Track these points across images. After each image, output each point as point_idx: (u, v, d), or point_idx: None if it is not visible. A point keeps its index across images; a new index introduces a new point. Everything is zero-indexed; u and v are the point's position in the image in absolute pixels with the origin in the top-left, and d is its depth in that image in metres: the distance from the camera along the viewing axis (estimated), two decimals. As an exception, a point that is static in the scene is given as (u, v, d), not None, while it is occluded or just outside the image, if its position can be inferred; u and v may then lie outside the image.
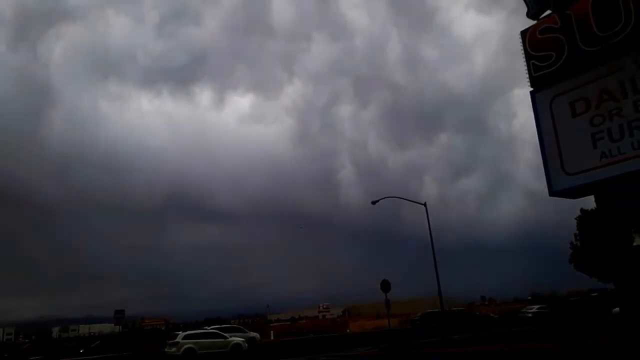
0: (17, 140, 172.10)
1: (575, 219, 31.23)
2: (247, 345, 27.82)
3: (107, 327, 73.51)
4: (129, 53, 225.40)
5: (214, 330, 28.83)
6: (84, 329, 78.87)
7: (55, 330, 74.99)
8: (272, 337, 46.79)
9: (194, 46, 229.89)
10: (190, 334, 26.91)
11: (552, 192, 10.97)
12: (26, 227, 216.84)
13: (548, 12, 11.17)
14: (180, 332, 27.55)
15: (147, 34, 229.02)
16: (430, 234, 24.29)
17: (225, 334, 27.73)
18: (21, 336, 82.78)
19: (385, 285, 25.64)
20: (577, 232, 32.86)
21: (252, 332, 32.39)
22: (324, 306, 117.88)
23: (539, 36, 11.12)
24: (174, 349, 25.40)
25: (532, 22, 11.36)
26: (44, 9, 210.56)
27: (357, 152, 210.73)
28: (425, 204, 24.56)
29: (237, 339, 27.77)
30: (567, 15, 10.68)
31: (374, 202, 26.23)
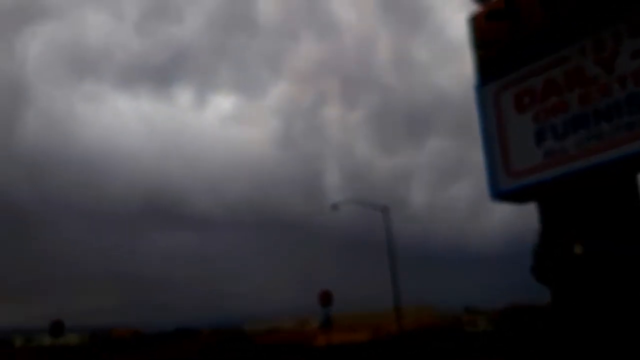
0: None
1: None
2: None
3: (73, 338, 70.64)
4: (107, 51, 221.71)
5: None
6: (48, 340, 75.50)
7: (19, 340, 71.45)
8: None
9: (175, 45, 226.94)
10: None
11: (495, 196, 9.94)
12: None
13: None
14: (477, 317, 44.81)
15: (126, 32, 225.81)
16: (389, 240, 22.87)
17: None
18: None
19: (326, 298, 20.31)
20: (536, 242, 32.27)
21: None
22: (303, 318, 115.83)
23: (485, 22, 10.13)
24: (474, 328, 38.93)
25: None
26: (21, 5, 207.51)
27: (343, 156, 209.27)
28: (383, 209, 23.14)
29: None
30: (512, -3, 9.70)
31: (334, 207, 24.64)
